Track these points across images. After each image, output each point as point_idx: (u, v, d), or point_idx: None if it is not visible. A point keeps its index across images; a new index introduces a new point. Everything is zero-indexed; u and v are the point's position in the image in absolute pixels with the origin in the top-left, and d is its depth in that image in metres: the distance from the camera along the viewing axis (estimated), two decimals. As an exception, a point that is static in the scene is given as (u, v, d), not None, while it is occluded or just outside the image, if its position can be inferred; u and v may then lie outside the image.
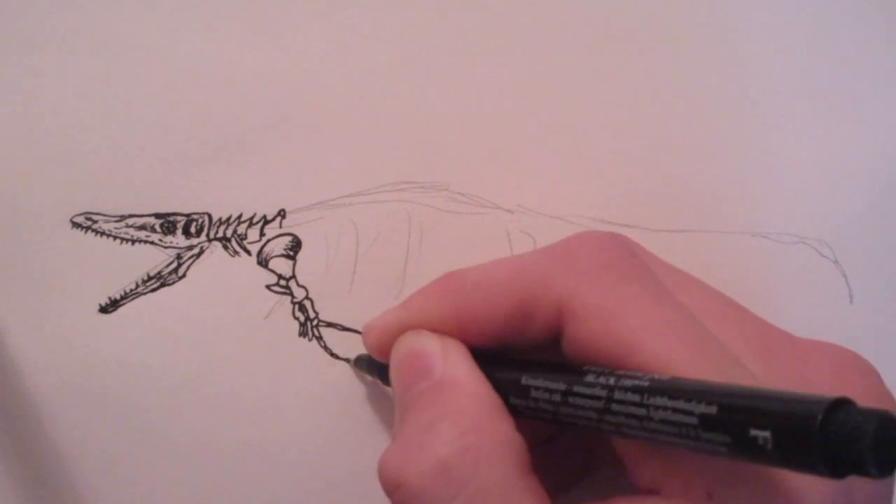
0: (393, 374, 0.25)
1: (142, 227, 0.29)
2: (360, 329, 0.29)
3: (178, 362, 0.29)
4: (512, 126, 0.31)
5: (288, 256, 0.30)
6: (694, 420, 0.18)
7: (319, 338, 0.29)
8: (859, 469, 0.15)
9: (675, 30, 0.32)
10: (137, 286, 0.29)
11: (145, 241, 0.29)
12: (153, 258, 0.29)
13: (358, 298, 0.30)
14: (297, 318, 0.29)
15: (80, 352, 0.28)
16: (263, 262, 0.30)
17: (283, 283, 0.29)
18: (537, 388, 0.22)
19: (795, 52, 0.33)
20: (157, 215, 0.29)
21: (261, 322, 0.29)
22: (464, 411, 0.22)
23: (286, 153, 0.30)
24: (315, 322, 0.29)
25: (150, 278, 0.29)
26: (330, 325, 0.29)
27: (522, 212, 0.31)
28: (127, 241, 0.29)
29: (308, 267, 0.30)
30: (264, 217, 0.30)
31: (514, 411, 0.23)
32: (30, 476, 0.28)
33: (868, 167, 0.32)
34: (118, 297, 0.29)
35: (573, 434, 0.27)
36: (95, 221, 0.29)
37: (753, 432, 0.17)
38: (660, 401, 0.19)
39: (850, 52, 0.33)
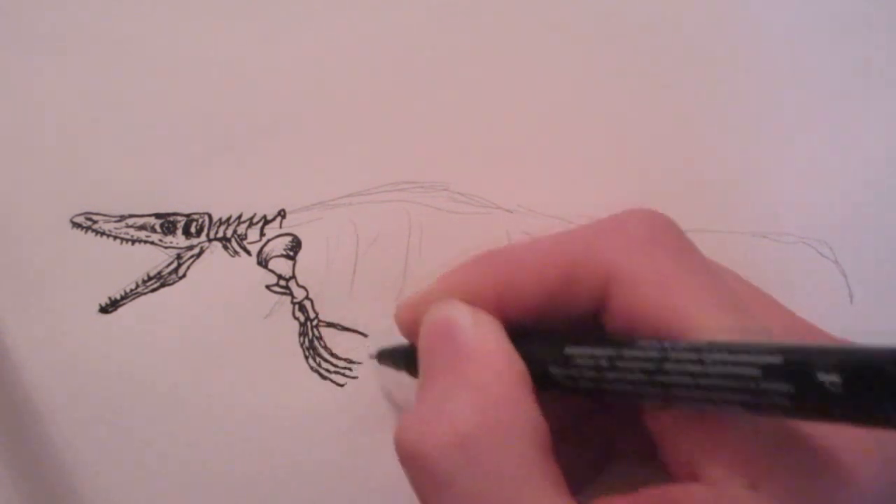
0: (420, 340, 0.23)
1: (142, 227, 0.29)
2: (360, 329, 0.29)
3: (178, 362, 0.29)
4: (512, 126, 0.31)
5: (288, 256, 0.30)
6: (756, 371, 0.17)
7: (319, 338, 0.29)
8: None
9: (675, 30, 0.32)
10: (137, 286, 0.29)
11: (145, 241, 0.29)
12: (153, 258, 0.29)
13: (358, 298, 0.30)
14: (297, 318, 0.29)
15: (80, 352, 0.28)
16: (263, 262, 0.30)
17: (283, 283, 0.29)
18: (582, 356, 0.21)
19: (796, 51, 0.33)
20: (158, 215, 0.29)
21: (261, 322, 0.29)
22: (486, 384, 0.21)
23: (286, 153, 0.30)
24: (315, 322, 0.29)
25: (150, 278, 0.29)
26: (330, 325, 0.29)
27: (522, 212, 0.31)
28: (127, 241, 0.29)
29: (308, 267, 0.30)
30: (264, 217, 0.30)
31: (551, 384, 0.22)
32: (29, 476, 0.28)
33: (868, 167, 0.32)
34: (118, 297, 0.29)
35: (594, 424, 0.26)
36: (95, 221, 0.29)
37: (821, 377, 0.16)
38: (718, 356, 0.18)
39: (850, 52, 0.33)
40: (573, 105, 0.31)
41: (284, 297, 0.29)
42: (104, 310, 0.29)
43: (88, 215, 0.29)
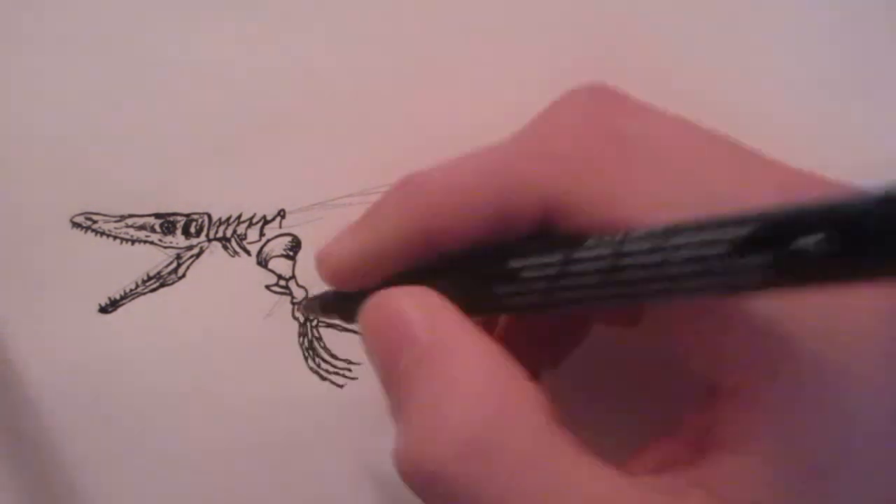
0: (369, 346, 0.21)
1: (142, 227, 0.29)
2: (360, 331, 0.29)
3: (178, 362, 0.29)
4: (512, 126, 0.31)
5: (288, 257, 0.30)
6: (723, 248, 0.15)
7: (319, 338, 0.29)
8: None
9: (675, 29, 0.32)
10: (137, 286, 0.29)
11: (145, 241, 0.29)
12: (153, 258, 0.29)
13: (358, 299, 0.30)
14: (296, 319, 0.29)
15: (80, 352, 0.28)
16: (263, 263, 0.30)
17: (282, 283, 0.29)
18: (529, 267, 0.19)
19: (796, 49, 0.33)
20: (157, 215, 0.29)
21: (261, 322, 0.29)
22: (468, 378, 0.19)
23: (286, 153, 0.30)
24: (314, 323, 0.29)
25: (149, 278, 0.29)
26: (329, 325, 0.29)
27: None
28: (127, 241, 0.29)
29: (308, 267, 0.30)
30: (264, 217, 0.30)
31: (496, 306, 0.20)
32: (29, 476, 0.28)
33: (869, 167, 0.32)
34: (118, 297, 0.29)
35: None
36: (95, 221, 0.29)
37: (802, 241, 0.14)
38: (680, 239, 0.16)
39: (851, 51, 0.33)
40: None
41: (284, 298, 0.29)
42: (104, 310, 0.29)
43: (88, 215, 0.29)
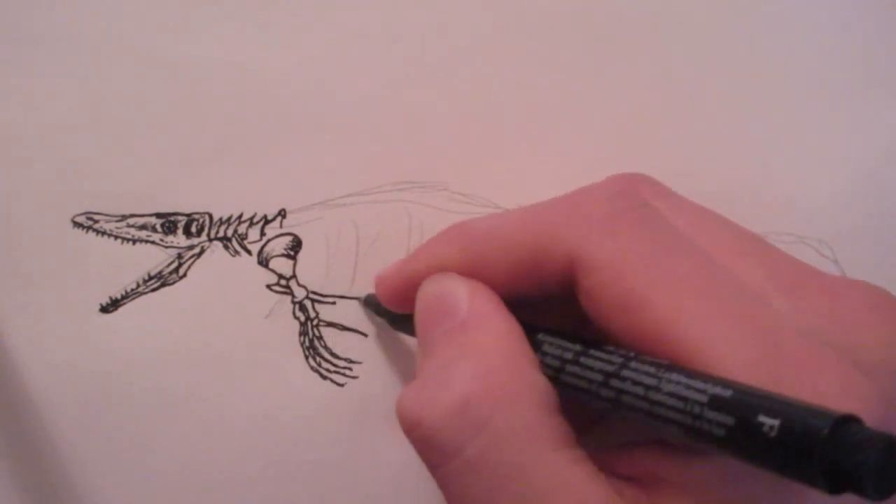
0: (417, 316, 0.24)
1: (143, 227, 0.29)
2: (360, 329, 0.30)
3: (179, 362, 0.29)
4: (512, 126, 0.31)
5: (288, 256, 0.30)
6: (703, 398, 0.18)
7: (319, 337, 0.29)
8: (858, 487, 0.15)
9: (676, 31, 0.32)
10: (138, 286, 0.29)
11: (146, 241, 0.29)
12: (154, 258, 0.29)
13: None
14: (297, 318, 0.29)
15: (80, 352, 0.28)
16: (264, 262, 0.30)
17: (283, 282, 0.29)
18: (551, 344, 0.22)
19: (797, 50, 0.33)
20: (158, 215, 0.29)
21: (261, 322, 0.29)
22: (487, 351, 0.21)
23: (286, 153, 0.30)
24: (315, 322, 0.29)
25: (150, 278, 0.29)
26: (330, 324, 0.29)
27: (522, 212, 0.31)
28: (128, 240, 0.29)
29: (308, 267, 0.30)
30: (265, 217, 0.30)
31: None
32: (29, 476, 0.28)
33: (869, 166, 0.32)
34: (119, 296, 0.29)
35: None
36: (96, 221, 0.29)
37: (762, 418, 0.17)
38: (674, 376, 0.19)
39: (851, 51, 0.33)
40: (573, 105, 0.32)
41: (284, 297, 0.29)
42: (105, 309, 0.29)
43: (89, 215, 0.29)
